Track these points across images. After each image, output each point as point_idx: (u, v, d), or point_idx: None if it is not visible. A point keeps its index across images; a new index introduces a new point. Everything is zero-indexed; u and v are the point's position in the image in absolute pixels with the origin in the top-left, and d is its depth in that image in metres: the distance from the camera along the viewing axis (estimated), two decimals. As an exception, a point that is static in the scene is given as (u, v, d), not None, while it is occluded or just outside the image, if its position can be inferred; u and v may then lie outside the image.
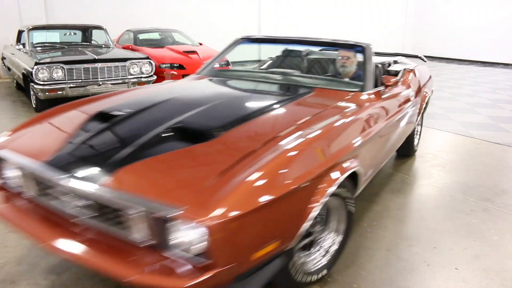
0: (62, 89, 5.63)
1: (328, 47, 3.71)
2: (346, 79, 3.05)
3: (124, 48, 8.06)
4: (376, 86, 2.90)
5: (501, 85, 9.30)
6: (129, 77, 6.22)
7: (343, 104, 2.48)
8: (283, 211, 1.63)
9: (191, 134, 1.96)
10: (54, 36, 7.17)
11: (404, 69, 3.59)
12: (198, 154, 1.79)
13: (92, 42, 7.47)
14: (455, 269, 2.32)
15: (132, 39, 8.61)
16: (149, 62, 6.43)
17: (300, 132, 1.94)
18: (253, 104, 2.44)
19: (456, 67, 13.13)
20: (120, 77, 6.15)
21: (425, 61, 4.33)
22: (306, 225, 1.76)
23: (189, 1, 11.88)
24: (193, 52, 7.85)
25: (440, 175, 3.74)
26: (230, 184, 1.52)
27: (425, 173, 3.78)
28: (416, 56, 4.29)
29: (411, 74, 3.68)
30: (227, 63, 7.63)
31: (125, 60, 6.20)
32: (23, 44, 6.70)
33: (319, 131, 1.98)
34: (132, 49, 7.87)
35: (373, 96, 2.70)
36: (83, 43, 7.33)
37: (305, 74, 3.39)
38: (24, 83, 6.40)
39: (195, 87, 2.96)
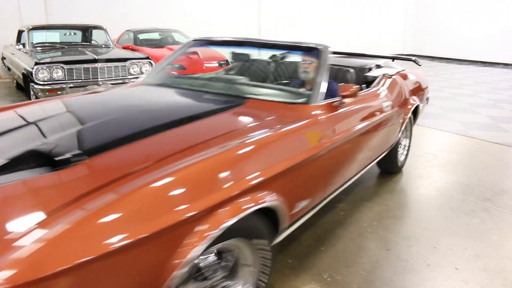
0: (62, 89, 5.64)
1: (280, 50, 3.34)
2: (302, 89, 2.61)
3: (124, 48, 8.07)
4: None
5: (501, 85, 9.31)
6: (129, 77, 6.22)
7: (272, 119, 2.08)
8: (132, 263, 1.26)
9: (47, 160, 1.59)
10: (54, 36, 7.17)
11: (383, 75, 3.25)
12: (35, 188, 1.42)
13: (92, 42, 7.47)
14: (455, 269, 2.32)
15: (132, 39, 8.62)
16: (149, 62, 6.43)
17: (191, 157, 1.56)
18: (153, 121, 2.01)
19: (456, 67, 13.14)
20: (120, 77, 6.16)
21: (419, 65, 3.93)
22: (176, 276, 1.36)
23: (189, 1, 11.88)
24: (193, 52, 7.85)
25: (440, 175, 3.74)
26: (44, 233, 1.16)
27: (425, 173, 3.78)
28: (409, 59, 3.90)
29: (391, 80, 3.28)
30: (227, 63, 7.64)
31: (125, 60, 6.20)
32: (23, 44, 6.71)
33: (209, 155, 1.57)
34: (132, 49, 7.87)
35: (321, 109, 2.28)
36: (83, 43, 7.33)
37: (257, 81, 3.07)
38: (24, 83, 6.40)
39: (109, 97, 2.55)
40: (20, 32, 7.32)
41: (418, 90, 3.80)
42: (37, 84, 5.53)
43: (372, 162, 3.05)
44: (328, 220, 2.85)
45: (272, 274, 2.22)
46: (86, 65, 5.81)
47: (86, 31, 7.46)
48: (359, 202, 3.16)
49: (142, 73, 6.36)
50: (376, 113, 2.82)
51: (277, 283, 2.14)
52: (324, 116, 2.24)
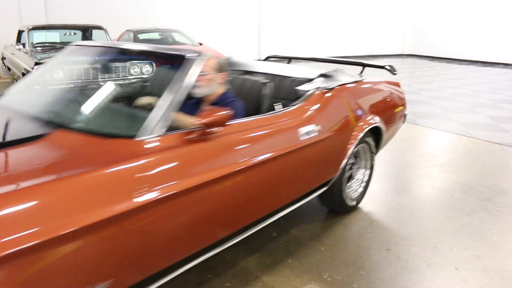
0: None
1: (142, 58, 2.74)
2: (142, 115, 1.80)
3: (124, 48, 8.06)
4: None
5: (501, 85, 9.31)
6: (129, 77, 6.22)
7: (58, 164, 1.50)
8: None
9: None
10: (54, 36, 7.19)
11: (317, 89, 2.56)
12: None
13: (92, 42, 7.48)
14: (455, 269, 2.32)
15: (132, 39, 8.62)
16: (150, 62, 6.43)
17: None
18: None
19: (456, 67, 13.14)
20: (121, 78, 6.16)
21: (394, 74, 3.34)
22: None
23: (189, 1, 11.88)
24: (193, 52, 7.84)
25: (440, 175, 3.74)
26: None
27: (425, 173, 3.78)
28: (381, 67, 3.26)
29: (326, 97, 2.55)
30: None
31: (125, 60, 6.20)
32: (23, 44, 6.72)
33: None
34: (132, 49, 7.86)
35: (159, 145, 1.60)
36: (83, 43, 7.34)
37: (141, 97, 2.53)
38: (24, 83, 6.41)
39: None
40: (20, 32, 7.32)
41: (383, 107, 3.05)
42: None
43: (283, 208, 2.32)
44: (328, 220, 2.85)
45: (272, 274, 2.22)
46: (86, 65, 5.81)
47: (86, 31, 7.47)
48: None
49: (143, 73, 6.36)
50: (281, 142, 2.13)
51: (277, 283, 2.15)
52: (156, 155, 1.56)
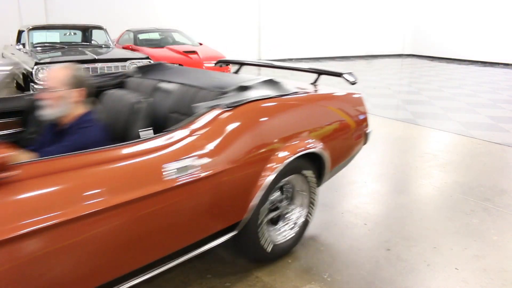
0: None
1: None
2: None
3: (124, 48, 8.09)
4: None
5: (501, 85, 9.31)
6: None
7: None
8: None
9: None
10: (54, 36, 7.20)
11: (212, 107, 1.92)
12: None
13: (92, 42, 7.48)
14: (455, 269, 2.32)
15: (132, 39, 8.64)
16: (149, 62, 6.43)
17: None
18: None
19: (456, 67, 13.14)
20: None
21: (352, 83, 2.71)
22: None
23: (189, 1, 11.89)
24: (193, 52, 7.87)
25: (440, 175, 3.74)
26: None
27: (425, 173, 3.78)
28: (338, 75, 2.72)
29: (223, 118, 1.90)
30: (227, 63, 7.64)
31: (125, 60, 6.20)
32: (23, 44, 6.72)
33: None
34: (132, 49, 7.88)
35: None
36: (83, 43, 7.34)
37: None
38: (24, 83, 6.40)
39: None
40: (20, 32, 7.33)
41: (325, 127, 2.44)
42: (37, 84, 5.53)
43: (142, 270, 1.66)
44: (328, 220, 2.85)
45: (273, 274, 2.22)
46: (86, 65, 5.81)
47: (86, 31, 7.47)
48: (359, 202, 3.16)
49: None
50: (124, 186, 1.51)
51: (277, 283, 2.15)
52: None
